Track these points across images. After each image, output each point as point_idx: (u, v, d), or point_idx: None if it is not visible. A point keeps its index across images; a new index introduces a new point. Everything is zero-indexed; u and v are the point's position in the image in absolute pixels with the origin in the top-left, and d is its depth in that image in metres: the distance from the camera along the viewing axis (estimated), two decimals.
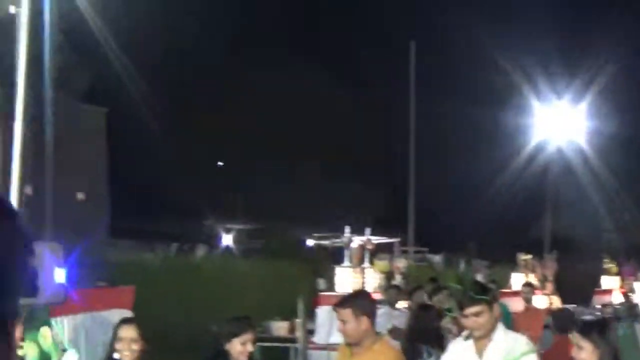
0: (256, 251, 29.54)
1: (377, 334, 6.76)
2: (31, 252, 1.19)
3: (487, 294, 6.74)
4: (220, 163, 37.92)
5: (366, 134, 37.69)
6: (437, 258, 35.08)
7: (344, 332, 6.49)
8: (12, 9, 8.23)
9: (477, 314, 6.51)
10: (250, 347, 6.46)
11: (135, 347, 6.80)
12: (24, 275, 1.19)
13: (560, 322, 10.26)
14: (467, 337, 6.76)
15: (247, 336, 6.46)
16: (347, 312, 6.42)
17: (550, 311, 14.48)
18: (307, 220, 28.20)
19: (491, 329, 6.57)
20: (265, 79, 36.71)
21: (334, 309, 6.62)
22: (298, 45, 38.39)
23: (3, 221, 1.12)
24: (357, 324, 6.41)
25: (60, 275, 6.82)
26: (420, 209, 27.53)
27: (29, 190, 8.41)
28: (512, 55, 35.06)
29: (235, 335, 6.44)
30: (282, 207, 33.15)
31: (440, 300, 13.78)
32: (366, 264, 18.96)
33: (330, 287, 19.37)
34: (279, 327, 18.31)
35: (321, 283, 20.78)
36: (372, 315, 6.57)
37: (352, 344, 6.52)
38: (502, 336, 6.60)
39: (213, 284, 20.89)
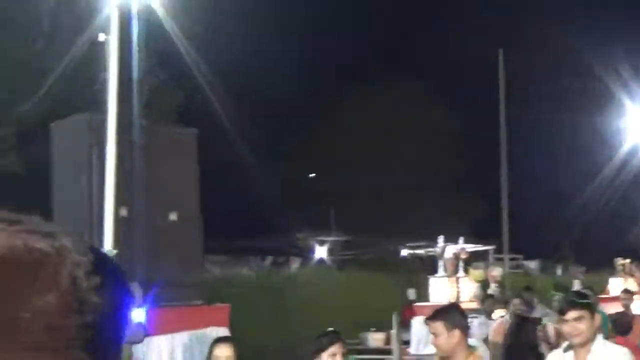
0: (350, 263, 29.49)
1: (470, 347, 6.70)
2: (130, 305, 1.25)
3: (588, 299, 6.65)
4: (311, 175, 38.00)
5: (458, 143, 37.44)
6: (533, 265, 34.59)
7: (436, 346, 6.44)
8: (101, 37, 8.41)
9: (578, 319, 6.39)
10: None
11: None
12: (125, 328, 1.25)
13: (620, 325, 10.18)
14: (566, 349, 6.65)
15: (335, 349, 6.44)
16: (438, 325, 6.37)
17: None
18: (401, 230, 28.09)
19: (591, 338, 6.45)
20: (356, 94, 36.79)
21: (426, 322, 6.57)
22: (388, 60, 38.44)
23: (110, 278, 1.17)
24: (449, 337, 6.35)
25: (139, 315, 6.94)
26: (514, 215, 27.22)
27: (123, 212, 8.56)
28: (603, 58, 34.53)
29: (323, 349, 6.44)
30: (376, 218, 33.09)
31: (516, 305, 13.62)
32: (461, 273, 18.81)
33: (423, 297, 19.31)
34: (375, 339, 18.31)
35: (411, 293, 20.66)
36: (464, 329, 6.51)
37: (443, 358, 6.47)
38: (601, 347, 6.47)
39: (308, 297, 20.95)
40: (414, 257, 26.44)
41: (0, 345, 1.08)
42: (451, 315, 6.49)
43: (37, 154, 19.22)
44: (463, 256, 19.34)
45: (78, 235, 1.17)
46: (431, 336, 6.45)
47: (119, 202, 8.25)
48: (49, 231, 1.14)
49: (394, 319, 13.44)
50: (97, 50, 9.62)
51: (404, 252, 27.16)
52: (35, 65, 19.77)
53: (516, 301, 13.85)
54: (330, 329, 6.88)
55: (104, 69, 8.74)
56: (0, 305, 1.08)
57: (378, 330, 18.57)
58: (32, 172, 20.25)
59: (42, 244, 1.12)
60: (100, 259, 1.16)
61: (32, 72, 19.63)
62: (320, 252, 31.33)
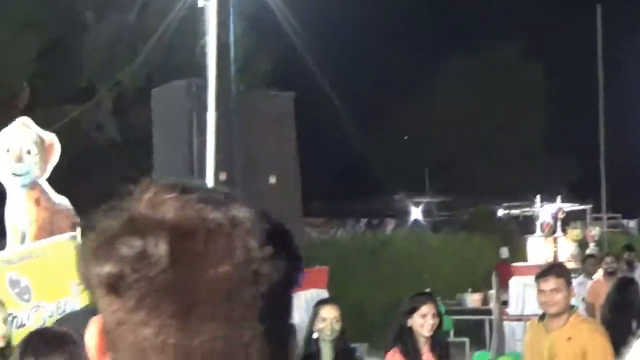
0: (445, 224, 29.37)
1: (572, 306, 6.67)
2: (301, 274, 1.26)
3: None
4: (406, 137, 37.86)
5: (554, 101, 36.92)
6: (632, 224, 33.98)
7: (552, 303, 6.36)
8: (200, 2, 8.45)
9: None
10: (430, 320, 6.41)
11: (337, 326, 6.88)
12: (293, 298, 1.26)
13: None
14: None
15: (426, 308, 6.43)
16: (561, 281, 6.35)
17: None
18: (497, 191, 27.86)
19: None
20: (452, 57, 36.50)
21: (542, 278, 6.48)
22: (482, 22, 38.02)
23: (283, 248, 1.18)
24: (568, 294, 6.37)
25: None
26: (612, 174, 26.74)
27: (223, 176, 8.63)
28: None
29: (415, 309, 6.44)
30: (471, 178, 32.87)
31: (608, 263, 13.42)
32: (558, 233, 18.63)
33: (517, 257, 19.19)
34: (472, 299, 18.25)
35: (504, 252, 20.48)
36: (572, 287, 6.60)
37: (552, 316, 6.42)
38: None
39: (404, 258, 20.93)
40: (509, 217, 26.21)
41: (179, 316, 1.09)
42: (567, 272, 6.52)
43: (135, 121, 19.54)
44: (560, 216, 19.13)
45: (252, 204, 1.16)
46: (546, 293, 6.38)
47: (218, 167, 8.32)
48: (222, 201, 1.14)
49: (494, 279, 13.34)
50: (194, 16, 9.68)
51: (500, 213, 26.94)
52: (132, 32, 20.03)
53: (608, 259, 13.65)
54: (426, 290, 6.88)
55: (202, 34, 8.80)
56: (176, 277, 1.09)
57: (475, 291, 18.49)
58: (129, 140, 20.58)
59: (215, 214, 1.12)
60: (274, 228, 1.15)
61: (129, 39, 19.91)
62: (416, 213, 31.24)
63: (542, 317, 6.61)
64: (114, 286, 1.11)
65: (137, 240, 1.10)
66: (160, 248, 1.09)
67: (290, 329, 1.19)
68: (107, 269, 1.11)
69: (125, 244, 1.11)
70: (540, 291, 6.43)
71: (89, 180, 17.95)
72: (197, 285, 1.09)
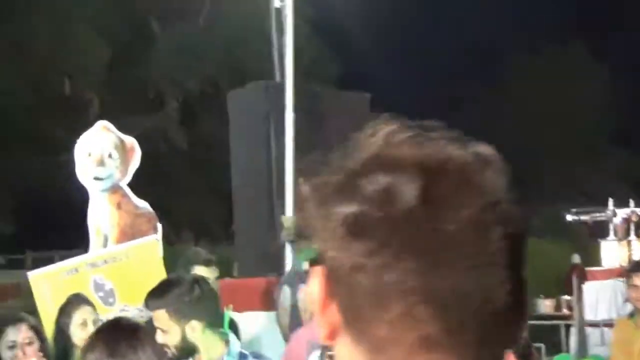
0: None
1: None
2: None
3: None
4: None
5: (621, 101, 36.55)
6: None
7: None
8: (276, 3, 8.41)
9: None
10: None
11: None
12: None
13: None
14: None
15: None
16: None
17: None
18: (565, 193, 27.63)
19: None
20: (517, 58, 36.33)
21: (634, 273, 6.41)
22: (546, 17, 37.82)
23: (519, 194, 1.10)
24: None
25: None
26: None
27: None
28: None
29: None
30: (539, 183, 32.60)
31: None
32: (632, 237, 18.47)
33: (588, 261, 19.02)
34: (545, 305, 18.09)
35: (575, 258, 20.34)
36: None
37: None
38: None
39: None
40: (579, 222, 25.93)
41: (424, 259, 1.01)
42: None
43: (201, 128, 19.64)
44: (634, 219, 18.96)
45: (491, 146, 1.10)
46: (638, 288, 6.28)
47: (298, 170, 8.28)
48: (464, 138, 1.07)
49: (574, 282, 13.19)
50: (262, 18, 9.70)
51: (569, 217, 26.68)
52: (197, 41, 20.12)
53: None
54: None
55: (274, 36, 8.76)
56: (423, 217, 1.00)
57: (547, 296, 18.35)
58: (195, 147, 20.68)
59: (460, 152, 1.05)
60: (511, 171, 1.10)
61: (195, 48, 20.00)
62: None
63: (631, 314, 6.53)
64: (356, 226, 1.02)
65: (384, 177, 1.02)
66: (409, 186, 1.01)
67: (526, 281, 1.11)
68: (351, 207, 1.03)
69: (370, 181, 1.03)
70: (631, 286, 6.37)
71: (155, 188, 18.07)
72: (444, 226, 1.00)
